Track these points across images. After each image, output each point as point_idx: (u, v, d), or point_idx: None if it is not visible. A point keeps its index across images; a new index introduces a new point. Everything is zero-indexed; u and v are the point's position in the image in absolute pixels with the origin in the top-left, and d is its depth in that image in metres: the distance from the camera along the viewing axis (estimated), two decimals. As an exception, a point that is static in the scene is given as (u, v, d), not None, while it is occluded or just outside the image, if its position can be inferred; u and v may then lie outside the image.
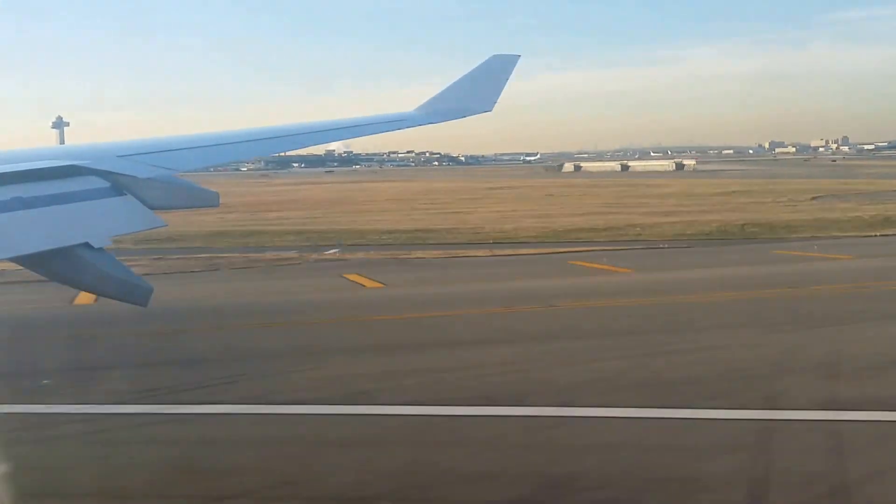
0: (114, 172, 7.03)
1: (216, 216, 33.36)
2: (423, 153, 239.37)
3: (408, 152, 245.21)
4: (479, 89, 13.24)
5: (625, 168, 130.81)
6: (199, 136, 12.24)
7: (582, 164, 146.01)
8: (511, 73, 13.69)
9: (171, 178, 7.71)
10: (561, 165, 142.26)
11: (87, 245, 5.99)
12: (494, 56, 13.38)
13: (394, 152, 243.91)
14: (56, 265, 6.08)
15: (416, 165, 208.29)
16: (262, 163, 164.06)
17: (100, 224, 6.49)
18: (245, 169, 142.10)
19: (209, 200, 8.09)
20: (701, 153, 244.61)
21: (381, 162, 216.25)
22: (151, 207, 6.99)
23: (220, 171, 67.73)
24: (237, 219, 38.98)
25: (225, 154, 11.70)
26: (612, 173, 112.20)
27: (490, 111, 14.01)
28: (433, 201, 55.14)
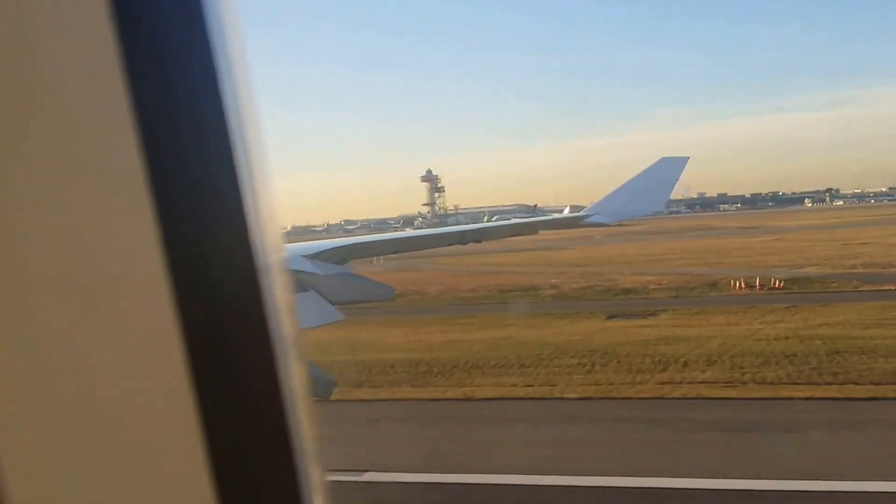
0: (298, 270, 7.50)
1: None
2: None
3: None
4: (649, 192, 13.93)
5: None
6: (375, 237, 12.99)
7: None
8: (679, 175, 14.39)
9: (349, 275, 8.24)
10: None
11: None
12: (663, 159, 14.07)
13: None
14: None
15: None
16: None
17: None
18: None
19: (384, 295, 8.66)
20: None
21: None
22: (332, 302, 7.47)
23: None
24: None
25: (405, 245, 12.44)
26: None
27: (663, 211, 14.74)
28: None
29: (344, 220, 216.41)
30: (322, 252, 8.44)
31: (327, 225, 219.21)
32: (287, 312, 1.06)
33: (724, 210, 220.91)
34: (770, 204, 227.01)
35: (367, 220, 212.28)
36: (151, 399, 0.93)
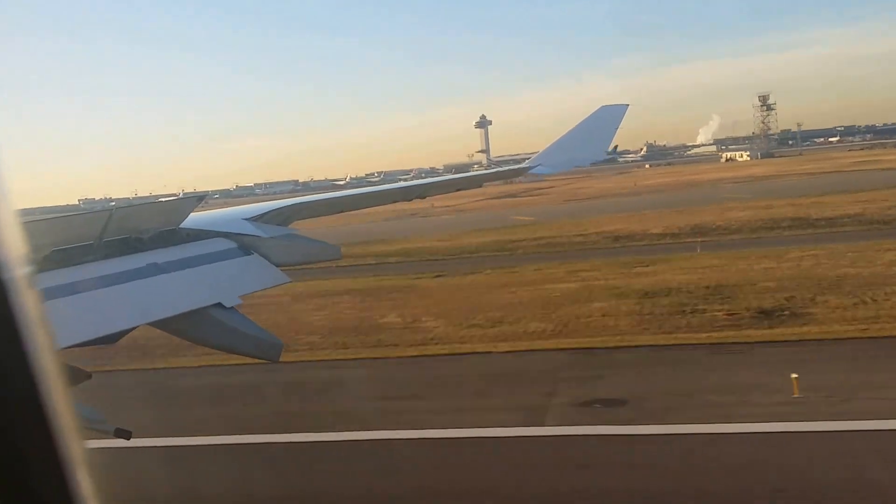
0: (240, 234, 7.31)
1: None
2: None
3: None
4: (590, 141, 13.60)
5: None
6: (318, 196, 12.93)
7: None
8: (620, 122, 13.99)
9: (293, 236, 7.92)
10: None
11: (219, 305, 6.13)
12: (603, 107, 13.71)
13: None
14: (190, 326, 6.09)
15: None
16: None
17: (230, 284, 6.58)
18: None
19: (331, 254, 8.24)
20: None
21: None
22: (277, 264, 7.20)
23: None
24: None
25: (342, 206, 12.24)
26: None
27: (602, 160, 14.38)
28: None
29: (383, 172, 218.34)
30: (265, 214, 8.27)
31: (383, 174, 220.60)
32: (35, 307, 1.14)
33: (823, 143, 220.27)
34: (868, 136, 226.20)
35: (420, 169, 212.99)
36: None
